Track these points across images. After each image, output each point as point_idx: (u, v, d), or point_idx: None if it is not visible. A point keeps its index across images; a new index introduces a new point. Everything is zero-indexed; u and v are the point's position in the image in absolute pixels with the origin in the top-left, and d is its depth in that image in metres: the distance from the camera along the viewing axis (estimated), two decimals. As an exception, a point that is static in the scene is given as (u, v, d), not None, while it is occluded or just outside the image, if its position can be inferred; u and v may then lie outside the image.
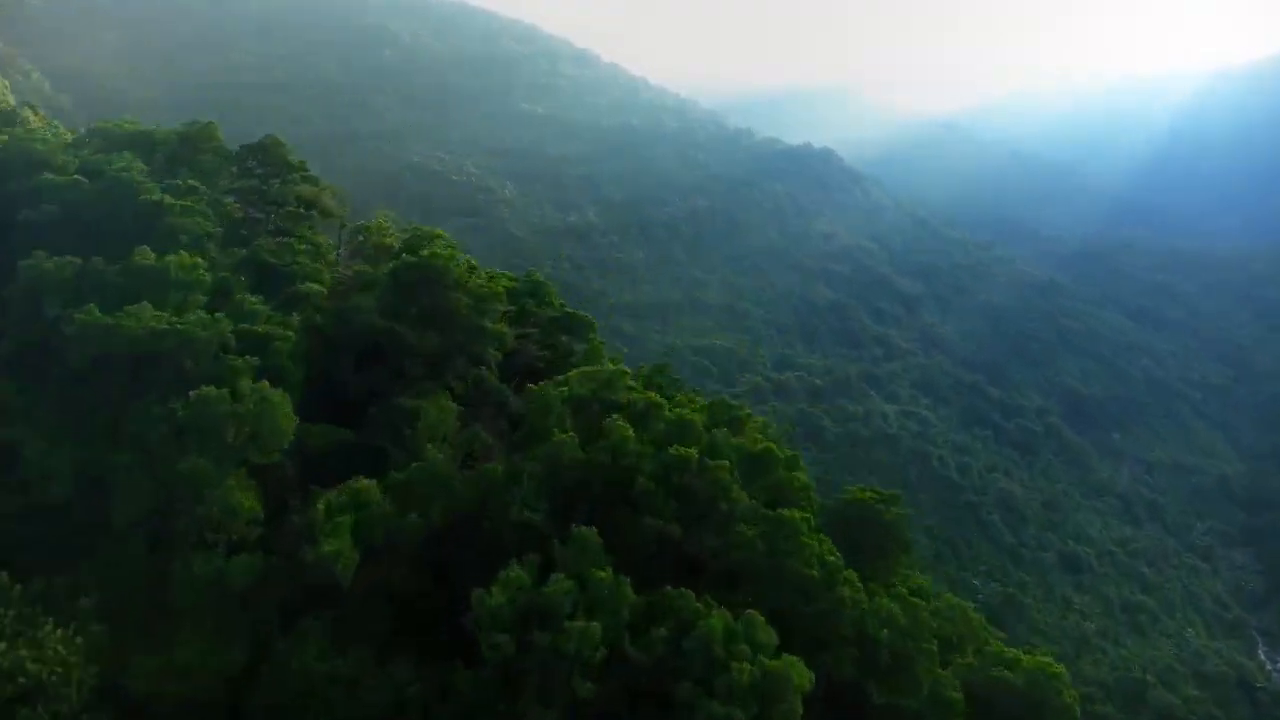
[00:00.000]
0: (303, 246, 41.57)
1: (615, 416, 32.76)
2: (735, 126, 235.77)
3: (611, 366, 37.63)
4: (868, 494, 39.41)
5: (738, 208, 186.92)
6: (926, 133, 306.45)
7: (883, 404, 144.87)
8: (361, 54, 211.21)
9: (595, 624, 24.50)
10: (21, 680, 23.37)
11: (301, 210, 46.99)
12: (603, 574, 25.80)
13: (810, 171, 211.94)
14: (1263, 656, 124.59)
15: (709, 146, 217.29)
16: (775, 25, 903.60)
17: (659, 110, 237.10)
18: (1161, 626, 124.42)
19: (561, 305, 50.24)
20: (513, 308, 44.84)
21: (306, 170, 50.14)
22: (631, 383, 37.93)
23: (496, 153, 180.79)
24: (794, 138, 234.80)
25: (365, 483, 27.88)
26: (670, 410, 34.42)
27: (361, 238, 51.94)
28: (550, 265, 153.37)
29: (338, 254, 50.80)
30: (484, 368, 38.84)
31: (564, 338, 46.90)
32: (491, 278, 49.12)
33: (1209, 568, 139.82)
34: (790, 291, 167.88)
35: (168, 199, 35.66)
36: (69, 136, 49.54)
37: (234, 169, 47.96)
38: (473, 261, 49.88)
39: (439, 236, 45.74)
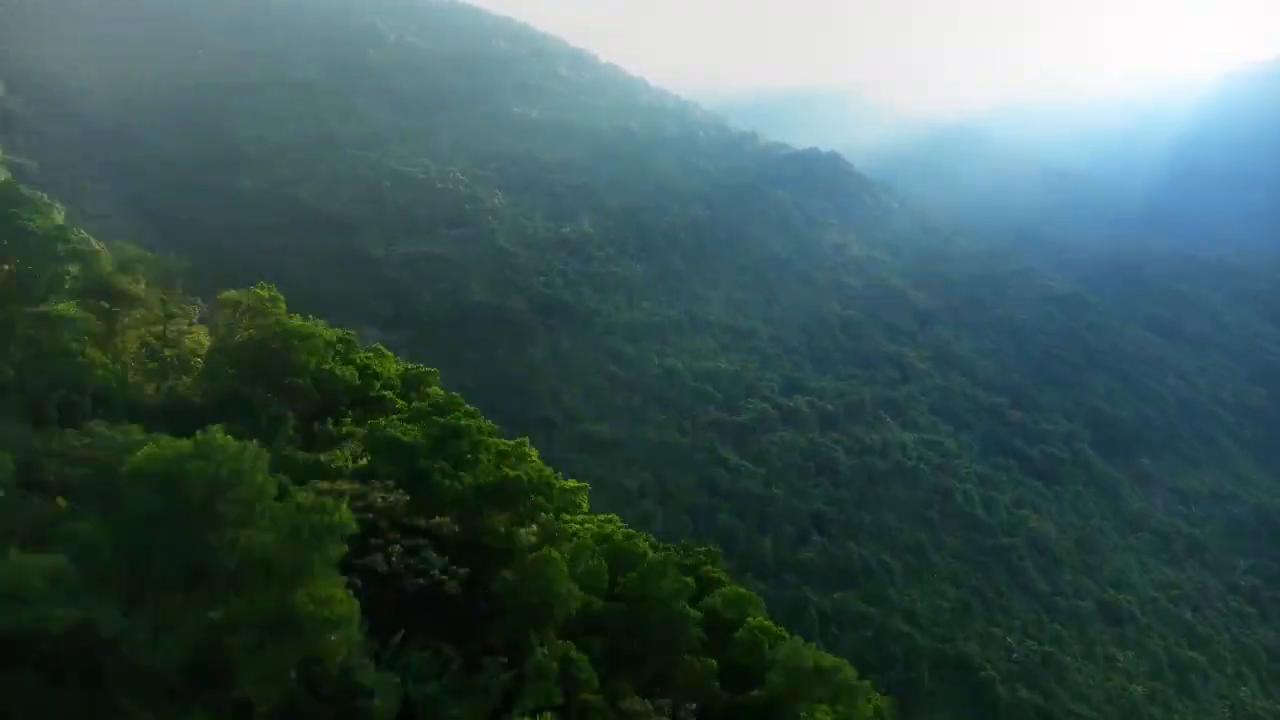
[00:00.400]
0: None
1: None
2: (738, 130, 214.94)
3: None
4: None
5: (741, 217, 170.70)
6: (935, 137, 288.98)
7: (900, 432, 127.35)
8: (345, 53, 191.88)
9: None
10: None
11: (58, 314, 27.42)
12: None
13: (817, 178, 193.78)
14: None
15: (710, 151, 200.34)
16: (777, 24, 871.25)
17: (658, 113, 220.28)
18: (1214, 685, 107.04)
19: (497, 455, 30.56)
20: (395, 495, 25.61)
21: (68, 236, 30.39)
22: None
23: (485, 159, 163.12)
24: (798, 141, 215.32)
25: None
26: None
27: (232, 314, 32.34)
28: (542, 281, 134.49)
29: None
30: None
31: (501, 519, 27.66)
32: (406, 374, 29.86)
33: (1256, 612, 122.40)
34: (798, 307, 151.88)
35: None
36: None
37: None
38: (373, 364, 30.69)
39: (310, 336, 26.40)
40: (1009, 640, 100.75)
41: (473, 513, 28.12)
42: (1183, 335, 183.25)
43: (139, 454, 20.47)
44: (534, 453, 33.01)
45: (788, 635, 30.62)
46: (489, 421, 34.54)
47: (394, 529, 24.42)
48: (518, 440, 33.79)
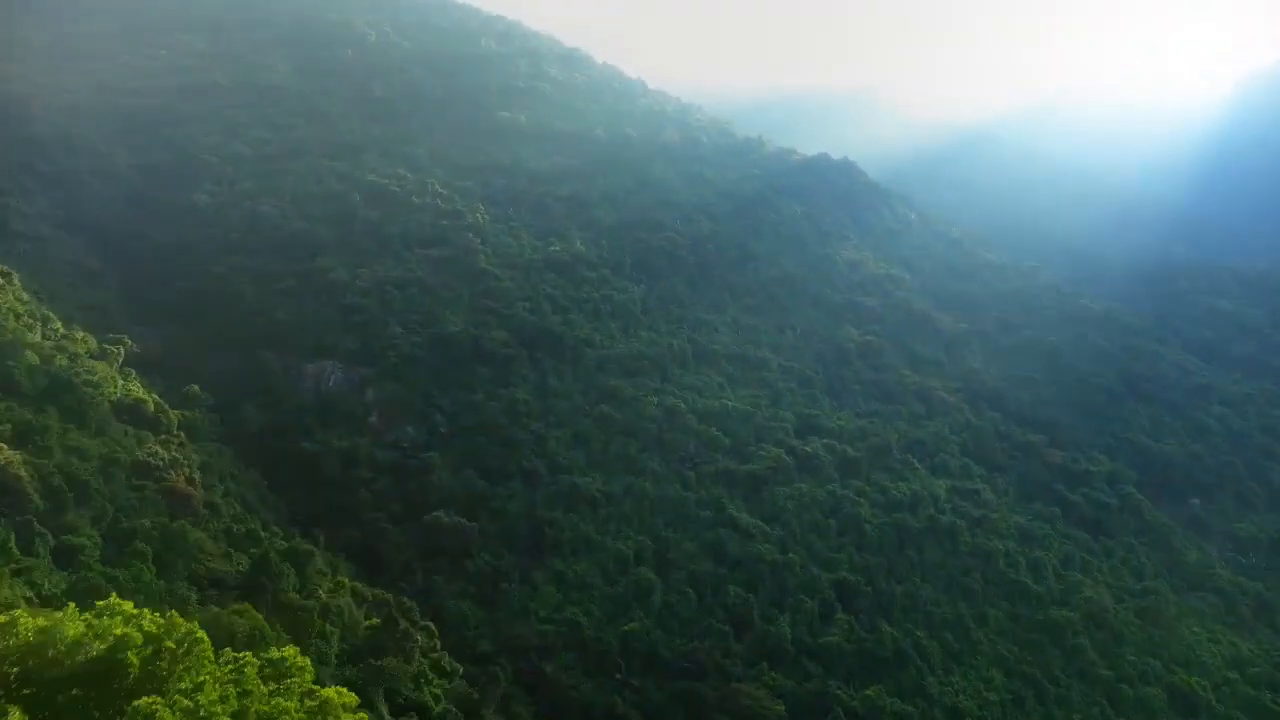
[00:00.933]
0: None
1: None
2: (743, 135, 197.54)
3: None
4: None
5: (748, 231, 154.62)
6: (948, 142, 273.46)
7: (931, 480, 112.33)
8: (319, 54, 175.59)
9: None
10: None
11: None
12: None
13: (830, 187, 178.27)
14: None
15: (714, 159, 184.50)
16: (782, 23, 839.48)
17: (658, 117, 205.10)
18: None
19: None
20: None
21: None
22: None
23: (468, 169, 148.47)
24: (806, 146, 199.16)
25: None
26: None
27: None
28: (527, 307, 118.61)
29: None
30: None
31: None
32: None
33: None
34: (812, 333, 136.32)
35: None
36: None
37: None
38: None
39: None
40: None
41: None
42: (1227, 357, 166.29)
43: None
44: None
45: None
46: None
47: None
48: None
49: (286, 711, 21.17)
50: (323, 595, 69.05)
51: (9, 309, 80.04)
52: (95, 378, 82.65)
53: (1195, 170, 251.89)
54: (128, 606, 21.51)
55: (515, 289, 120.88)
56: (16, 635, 18.61)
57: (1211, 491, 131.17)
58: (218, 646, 50.12)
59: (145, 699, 18.04)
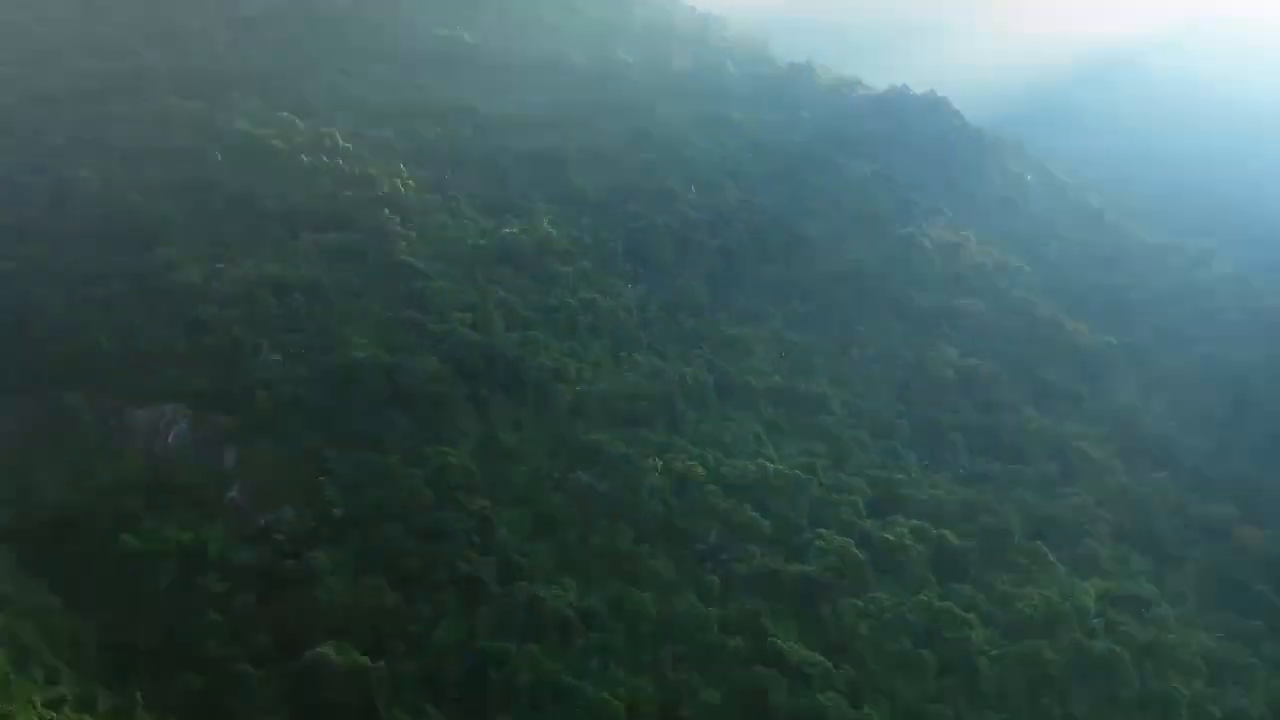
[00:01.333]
0: None
1: None
2: (787, 62, 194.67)
3: None
4: None
5: (796, 203, 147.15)
6: (1075, 72, 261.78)
7: (1074, 581, 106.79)
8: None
9: None
10: None
11: None
12: None
13: (914, 136, 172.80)
14: None
15: (745, 96, 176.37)
16: None
17: (663, 34, 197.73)
18: None
19: None
20: None
21: None
22: None
23: (386, 113, 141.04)
24: (874, 79, 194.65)
25: None
26: None
27: None
28: (469, 321, 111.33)
29: None
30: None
31: None
32: None
33: None
34: (891, 355, 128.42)
35: None
36: None
37: None
38: None
39: None
40: None
41: None
42: None
43: None
44: None
45: None
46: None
47: None
48: None
49: None
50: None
51: None
52: None
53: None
54: None
55: (452, 292, 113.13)
56: None
57: None
58: None
59: None
